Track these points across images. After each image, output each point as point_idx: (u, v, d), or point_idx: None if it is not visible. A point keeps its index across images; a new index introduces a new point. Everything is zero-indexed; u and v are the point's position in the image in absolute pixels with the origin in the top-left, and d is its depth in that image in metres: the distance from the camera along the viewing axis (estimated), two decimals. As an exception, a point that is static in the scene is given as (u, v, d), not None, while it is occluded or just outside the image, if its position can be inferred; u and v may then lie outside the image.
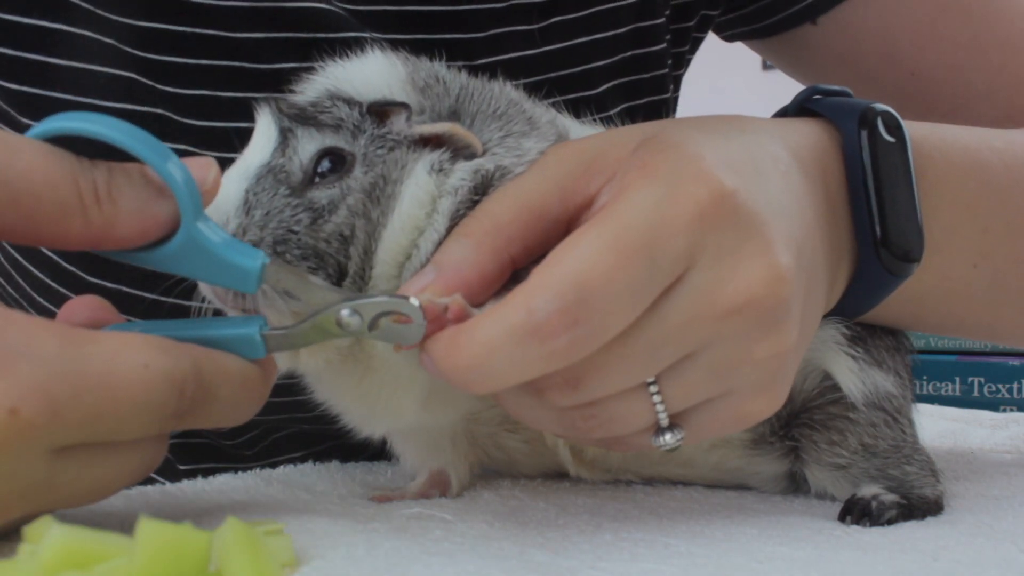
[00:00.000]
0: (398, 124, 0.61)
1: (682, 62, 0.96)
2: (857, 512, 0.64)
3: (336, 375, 0.63)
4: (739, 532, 0.61)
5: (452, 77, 0.64)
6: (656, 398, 0.56)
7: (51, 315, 0.79)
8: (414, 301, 0.53)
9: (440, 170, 0.60)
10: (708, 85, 1.05)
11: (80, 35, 0.76)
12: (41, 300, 0.80)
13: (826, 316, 0.67)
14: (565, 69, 0.86)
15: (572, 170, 0.56)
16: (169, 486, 0.71)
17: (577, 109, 0.83)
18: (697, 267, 0.53)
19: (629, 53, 0.88)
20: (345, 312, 0.55)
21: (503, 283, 0.55)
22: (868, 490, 0.66)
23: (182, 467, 0.87)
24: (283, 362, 0.62)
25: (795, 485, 0.72)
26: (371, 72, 0.63)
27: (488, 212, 0.56)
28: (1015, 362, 1.38)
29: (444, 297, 0.53)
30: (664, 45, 0.90)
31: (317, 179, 0.60)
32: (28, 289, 0.81)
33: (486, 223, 0.55)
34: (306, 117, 0.61)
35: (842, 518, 0.65)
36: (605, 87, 0.87)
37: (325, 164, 0.60)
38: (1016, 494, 0.72)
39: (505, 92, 0.64)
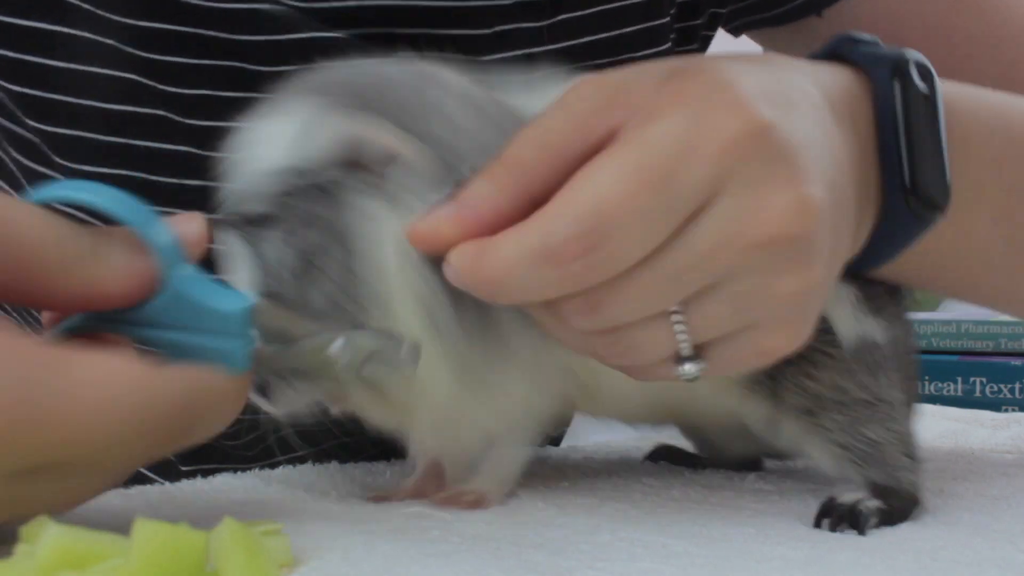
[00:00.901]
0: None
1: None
2: (836, 517, 0.63)
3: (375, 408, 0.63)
4: (737, 532, 0.61)
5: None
6: (679, 327, 0.55)
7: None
8: (408, 341, 0.54)
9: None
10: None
11: (79, 37, 0.76)
12: None
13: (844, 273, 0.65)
14: (572, 67, 0.86)
15: (594, 104, 0.55)
16: (168, 486, 0.71)
17: None
18: (724, 196, 0.52)
19: (639, 53, 0.88)
20: (337, 344, 0.55)
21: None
22: (850, 495, 0.65)
23: (183, 468, 0.87)
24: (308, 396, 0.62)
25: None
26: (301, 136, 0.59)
27: (508, 152, 0.55)
28: (1017, 362, 1.38)
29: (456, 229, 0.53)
30: (669, 44, 0.90)
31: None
32: None
33: (506, 162, 0.54)
34: (269, 219, 0.59)
35: (817, 523, 0.63)
36: None
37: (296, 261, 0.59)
38: (1016, 494, 0.72)
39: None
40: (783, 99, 0.56)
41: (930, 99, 0.65)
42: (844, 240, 0.61)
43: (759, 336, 0.57)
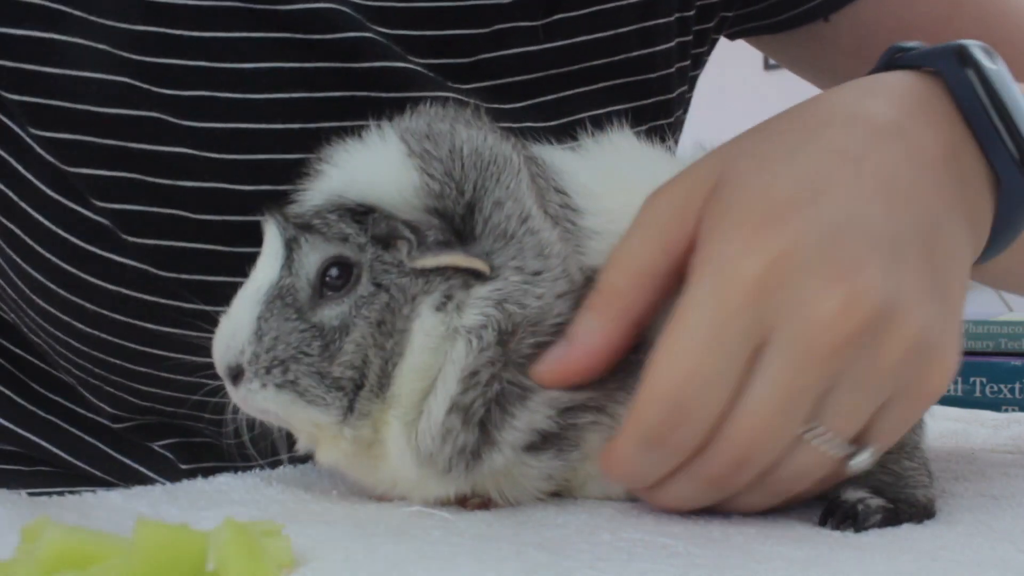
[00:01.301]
0: (400, 254, 0.62)
1: (700, 62, 0.96)
2: (839, 515, 0.63)
3: (352, 466, 0.66)
4: (737, 532, 0.61)
5: (469, 162, 0.62)
6: (819, 440, 0.59)
7: (50, 317, 0.80)
8: None
9: (447, 303, 0.61)
10: (708, 84, 1.04)
11: (74, 43, 0.76)
12: (41, 302, 0.80)
13: None
14: (567, 66, 0.86)
15: (668, 223, 0.60)
16: (168, 486, 0.71)
17: (578, 105, 0.83)
18: (777, 327, 0.56)
19: (634, 53, 0.88)
20: None
21: (632, 344, 0.61)
22: (854, 494, 0.65)
23: (183, 466, 0.87)
24: (305, 445, 0.66)
25: None
26: (382, 177, 0.62)
27: (607, 283, 0.61)
28: (1017, 362, 1.37)
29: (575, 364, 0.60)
30: (672, 44, 0.90)
31: (326, 291, 0.62)
32: (27, 291, 0.81)
33: (607, 294, 0.61)
34: (311, 227, 0.62)
35: (823, 522, 0.63)
36: (606, 84, 0.87)
37: (333, 272, 0.62)
38: (1016, 494, 0.71)
39: (511, 169, 0.63)
40: (814, 186, 0.58)
41: (1005, 72, 0.65)
42: (950, 252, 0.61)
43: (907, 397, 0.59)
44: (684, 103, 0.97)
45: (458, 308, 0.61)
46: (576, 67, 0.86)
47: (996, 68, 0.65)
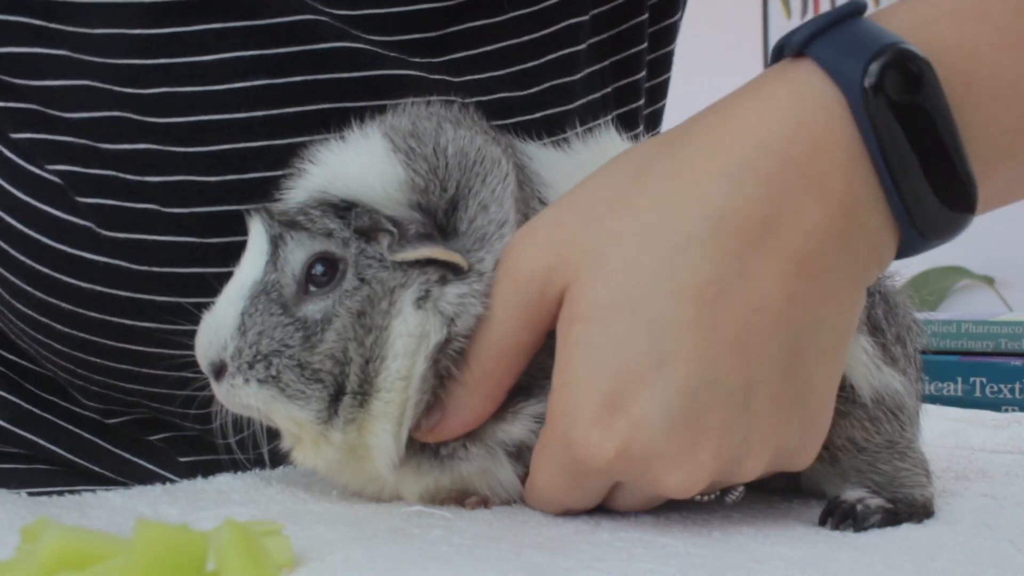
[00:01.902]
0: (383, 245, 0.62)
1: (677, 5, 0.93)
2: (839, 515, 0.63)
3: (336, 471, 0.66)
4: (736, 532, 0.61)
5: (454, 162, 0.63)
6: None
7: (32, 321, 0.80)
8: None
9: (426, 300, 0.62)
10: (707, 84, 1.04)
11: (40, 54, 0.78)
12: (19, 306, 0.80)
13: None
14: (535, 33, 0.84)
15: (529, 300, 0.62)
16: (168, 486, 0.71)
17: (549, 72, 0.82)
18: (628, 484, 0.62)
19: (600, 8, 0.87)
20: None
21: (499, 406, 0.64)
22: (853, 493, 0.65)
23: (181, 459, 0.87)
24: (288, 445, 0.66)
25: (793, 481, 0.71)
26: (366, 172, 0.63)
27: (476, 360, 0.63)
28: (1017, 362, 1.38)
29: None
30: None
31: (311, 287, 0.62)
32: (5, 296, 0.81)
33: (476, 372, 0.63)
34: (296, 224, 0.63)
35: (822, 521, 0.63)
36: (576, 49, 0.85)
37: (318, 268, 0.62)
38: (1016, 494, 0.72)
39: (498, 172, 0.64)
40: (657, 356, 0.57)
41: (924, 112, 0.58)
42: (823, 343, 0.59)
43: (751, 450, 0.60)
44: (668, 58, 0.94)
45: (435, 304, 0.62)
46: (544, 32, 0.84)
47: (911, 97, 0.58)
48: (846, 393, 0.64)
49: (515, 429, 0.64)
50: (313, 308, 0.62)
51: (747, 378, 0.57)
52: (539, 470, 0.63)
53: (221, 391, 0.64)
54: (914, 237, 0.60)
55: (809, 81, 0.59)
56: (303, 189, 0.64)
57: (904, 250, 0.62)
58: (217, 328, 0.63)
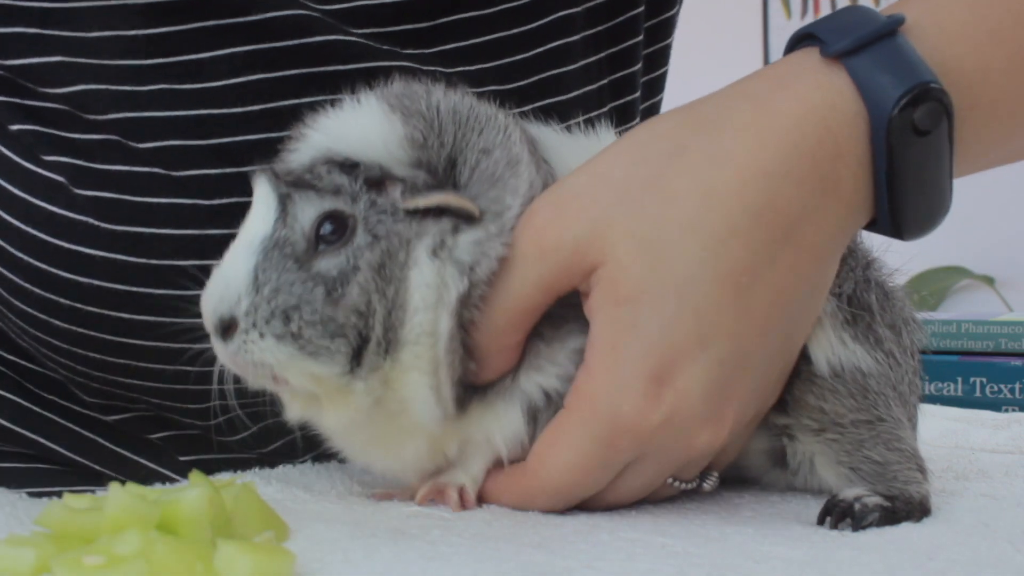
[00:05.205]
0: (394, 196, 0.62)
1: (671, 1, 0.94)
2: (837, 514, 0.63)
3: (357, 430, 0.65)
4: (735, 532, 0.61)
5: (448, 117, 0.64)
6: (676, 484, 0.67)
7: (32, 319, 0.80)
8: None
9: (441, 249, 0.62)
10: (707, 83, 1.04)
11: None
12: (18, 303, 0.81)
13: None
14: (525, 25, 0.84)
15: (552, 269, 0.63)
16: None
17: (552, 60, 0.82)
18: (654, 452, 0.64)
19: (594, 2, 0.87)
20: None
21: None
22: (850, 492, 0.65)
23: (182, 458, 0.88)
24: (298, 412, 0.65)
25: (785, 464, 0.71)
26: (367, 130, 0.63)
27: (489, 326, 0.63)
28: (1017, 362, 1.38)
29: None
30: None
31: (321, 245, 0.62)
32: (4, 294, 0.81)
33: (489, 338, 0.63)
34: (303, 183, 0.62)
35: (821, 521, 0.64)
36: (568, 40, 0.86)
37: (327, 227, 0.62)
38: (1015, 494, 0.72)
39: (495, 124, 0.65)
40: (698, 335, 0.61)
41: (936, 140, 0.63)
42: (809, 310, 0.66)
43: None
44: (661, 53, 0.95)
45: (450, 253, 0.62)
46: (536, 24, 0.85)
47: (926, 136, 0.63)
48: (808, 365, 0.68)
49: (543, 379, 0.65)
50: (327, 264, 0.61)
51: (765, 350, 0.64)
52: (561, 446, 0.63)
53: (229, 350, 0.62)
54: (887, 229, 0.66)
55: (841, 92, 0.64)
56: (306, 151, 0.64)
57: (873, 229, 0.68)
58: (228, 282, 0.61)
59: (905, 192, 0.64)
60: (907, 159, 0.64)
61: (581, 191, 0.64)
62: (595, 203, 0.63)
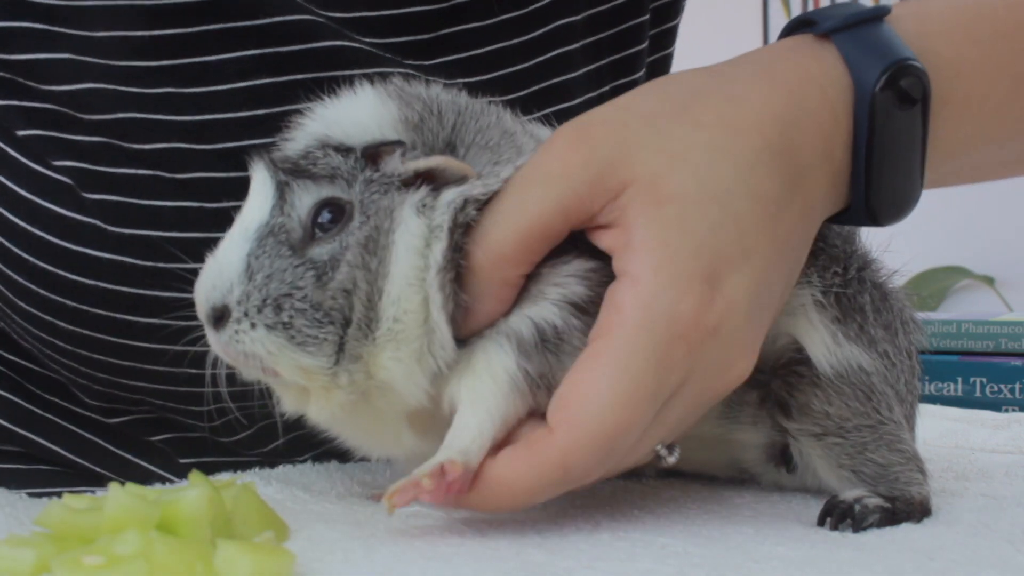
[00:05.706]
0: (392, 163, 0.62)
1: (678, 9, 0.94)
2: (837, 515, 0.63)
3: (344, 422, 0.64)
4: (735, 532, 0.61)
5: (447, 105, 0.64)
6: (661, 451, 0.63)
7: (36, 320, 0.80)
8: None
9: (425, 206, 0.61)
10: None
11: (47, 59, 0.79)
12: (22, 304, 0.81)
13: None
14: (526, 35, 0.85)
15: (576, 188, 0.60)
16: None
17: (541, 74, 0.83)
18: (692, 380, 0.60)
19: (595, 9, 0.87)
20: None
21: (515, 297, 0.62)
22: (851, 493, 0.65)
23: (182, 460, 0.88)
24: (291, 406, 0.64)
25: (786, 461, 0.71)
26: (362, 113, 0.63)
27: (492, 243, 0.61)
28: (1017, 362, 1.38)
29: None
30: None
31: (318, 232, 0.61)
32: (9, 295, 0.81)
33: (491, 256, 0.60)
34: (300, 169, 0.62)
35: (821, 521, 0.64)
36: (569, 48, 0.86)
37: (325, 215, 0.61)
38: (1016, 494, 0.72)
39: (499, 120, 0.65)
40: (741, 248, 0.61)
41: (915, 117, 0.65)
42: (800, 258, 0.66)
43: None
44: (663, 61, 0.95)
45: (434, 208, 0.61)
46: (536, 33, 0.85)
47: (906, 113, 0.66)
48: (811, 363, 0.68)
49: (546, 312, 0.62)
50: (320, 251, 0.61)
51: (780, 286, 0.64)
52: (603, 379, 0.58)
53: (221, 340, 0.61)
54: (860, 211, 0.67)
55: (834, 65, 0.67)
56: (301, 139, 0.64)
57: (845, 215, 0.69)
58: (221, 270, 0.61)
59: (882, 169, 0.66)
60: (886, 132, 0.65)
61: (606, 118, 0.63)
62: (625, 126, 0.62)
